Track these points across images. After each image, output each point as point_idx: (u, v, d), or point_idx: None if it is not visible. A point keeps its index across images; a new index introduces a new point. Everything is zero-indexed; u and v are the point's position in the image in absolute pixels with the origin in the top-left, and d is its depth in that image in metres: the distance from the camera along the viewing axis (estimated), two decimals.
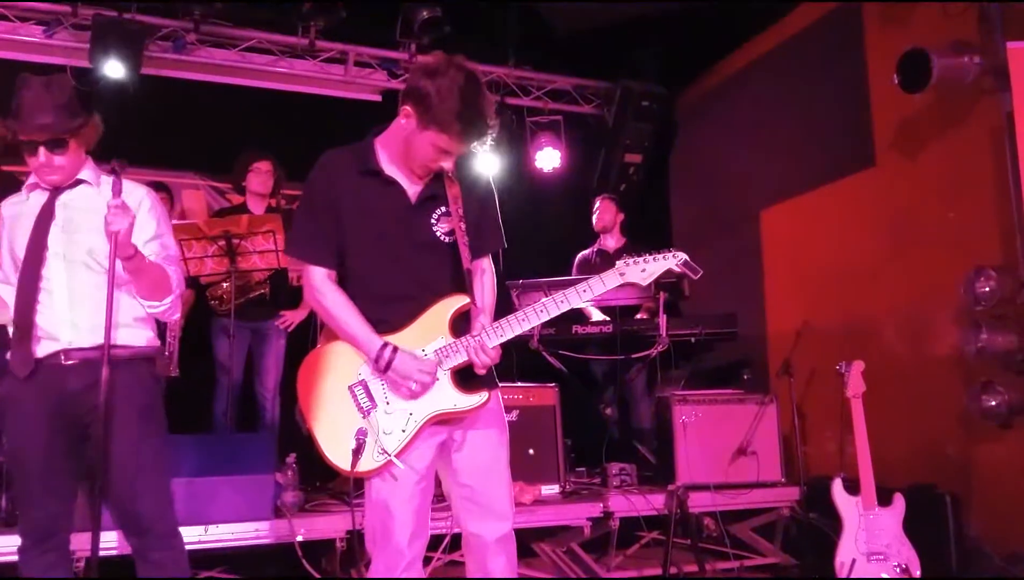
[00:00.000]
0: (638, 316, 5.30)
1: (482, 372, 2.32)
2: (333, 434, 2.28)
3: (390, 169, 2.37)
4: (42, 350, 2.54)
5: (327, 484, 4.75)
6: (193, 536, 3.45)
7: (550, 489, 4.47)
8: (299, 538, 3.72)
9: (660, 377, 5.05)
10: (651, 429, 5.25)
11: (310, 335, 4.96)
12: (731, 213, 6.36)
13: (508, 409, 3.96)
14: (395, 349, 2.27)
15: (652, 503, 4.35)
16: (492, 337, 2.30)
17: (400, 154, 2.36)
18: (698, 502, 4.39)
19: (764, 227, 6.03)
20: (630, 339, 5.00)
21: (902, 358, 4.73)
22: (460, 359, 2.31)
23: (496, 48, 6.43)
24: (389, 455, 2.25)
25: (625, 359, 5.08)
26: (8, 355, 2.57)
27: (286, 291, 4.98)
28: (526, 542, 4.32)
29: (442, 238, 2.37)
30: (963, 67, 4.17)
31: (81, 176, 2.67)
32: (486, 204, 2.48)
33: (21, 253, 2.59)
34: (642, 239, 6.00)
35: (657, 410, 5.03)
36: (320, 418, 2.30)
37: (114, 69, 5.19)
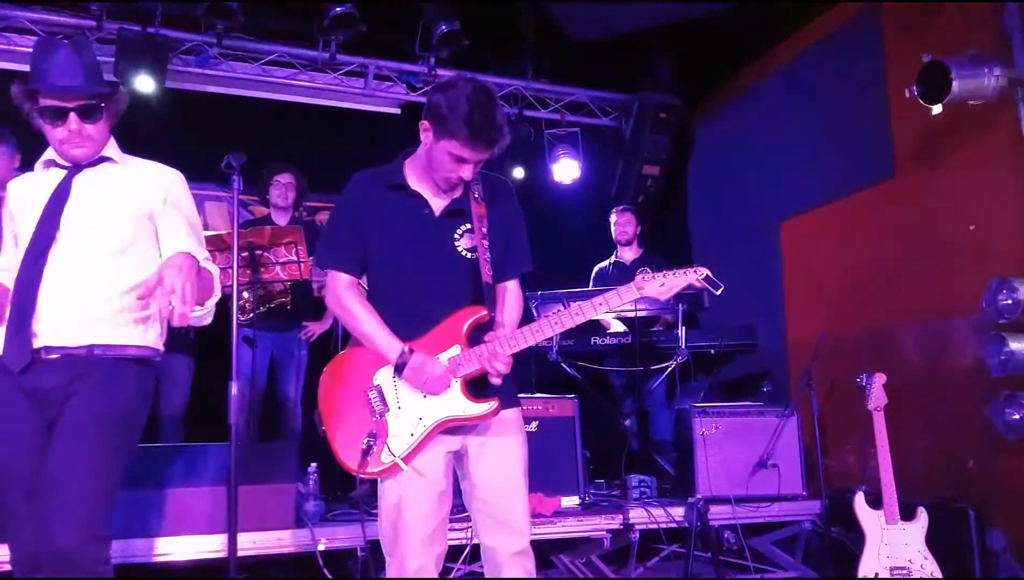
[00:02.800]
0: (653, 328, 5.30)
1: (496, 381, 2.35)
2: (346, 435, 2.35)
3: (416, 185, 2.45)
4: (37, 342, 2.29)
5: (347, 493, 4.78)
6: (216, 544, 3.48)
7: (569, 501, 4.46)
8: (320, 547, 3.73)
9: (679, 389, 5.04)
10: (671, 441, 5.23)
11: (331, 346, 5.01)
12: (750, 224, 6.34)
13: (527, 420, 3.96)
14: (411, 350, 2.33)
15: (672, 515, 4.34)
16: (505, 346, 2.34)
17: (424, 169, 2.44)
18: (718, 515, 4.37)
19: (784, 238, 6.02)
20: (649, 350, 4.99)
21: (924, 370, 4.69)
22: (473, 368, 2.35)
23: (514, 61, 6.48)
24: (395, 457, 2.31)
25: (644, 371, 5.08)
26: None
27: (309, 302, 5.01)
28: (545, 553, 4.32)
29: (463, 253, 2.43)
30: (983, 78, 4.15)
31: (105, 152, 2.46)
32: (514, 227, 2.54)
33: (23, 231, 2.36)
34: (660, 250, 6.02)
35: (677, 422, 5.01)
36: (335, 420, 2.38)
37: (139, 83, 5.26)
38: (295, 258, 4.45)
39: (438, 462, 2.38)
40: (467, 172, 2.36)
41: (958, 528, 3.96)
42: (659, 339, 5.09)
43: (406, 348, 2.32)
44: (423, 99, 6.37)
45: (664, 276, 2.43)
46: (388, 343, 2.34)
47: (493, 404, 2.35)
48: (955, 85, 4.10)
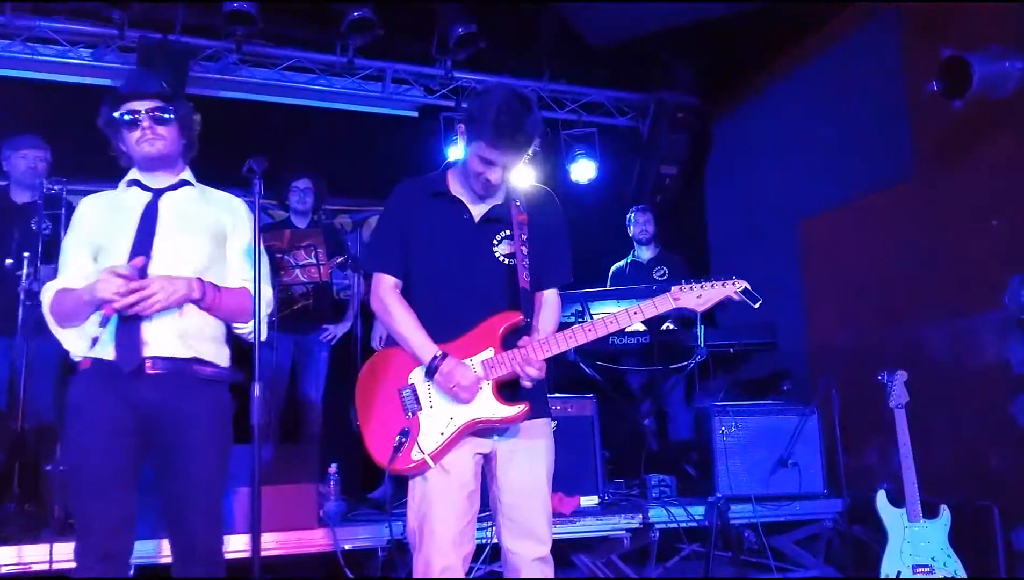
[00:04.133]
0: (664, 326, 5.27)
1: (528, 385, 2.38)
2: (379, 431, 2.43)
3: (457, 191, 2.52)
4: (146, 350, 2.44)
5: (368, 494, 4.81)
6: (240, 545, 3.52)
7: (589, 500, 4.46)
8: (344, 547, 3.76)
9: (699, 388, 5.03)
10: (690, 440, 5.22)
11: (351, 347, 5.05)
12: (769, 223, 6.32)
13: None
14: (444, 355, 2.38)
15: (692, 515, 4.33)
16: (538, 351, 2.38)
17: (464, 176, 2.50)
18: (739, 514, 4.36)
19: (803, 237, 5.99)
20: (668, 350, 4.99)
21: (946, 368, 4.66)
22: (505, 371, 2.39)
23: (531, 62, 6.50)
24: (424, 455, 2.37)
25: (663, 370, 5.07)
26: (88, 351, 2.47)
27: (329, 304, 5.05)
28: (565, 553, 4.33)
29: (501, 259, 2.49)
30: (1004, 73, 4.12)
31: (184, 176, 2.67)
32: (556, 237, 2.59)
33: (110, 246, 2.50)
34: (679, 250, 6.01)
35: (697, 421, 5.00)
36: (369, 416, 2.46)
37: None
38: (314, 261, 4.49)
39: (467, 463, 2.42)
40: (495, 175, 2.40)
41: (982, 526, 3.93)
42: (678, 338, 5.08)
43: (439, 353, 2.38)
44: (440, 102, 6.42)
45: (702, 287, 2.46)
46: (422, 346, 2.41)
47: (522, 407, 2.39)
48: (977, 79, 4.07)
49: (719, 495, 4.37)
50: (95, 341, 2.48)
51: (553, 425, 4.44)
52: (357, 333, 5.08)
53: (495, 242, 2.48)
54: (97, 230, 2.56)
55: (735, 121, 6.97)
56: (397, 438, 2.38)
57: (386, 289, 2.50)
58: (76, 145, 5.33)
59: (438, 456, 2.38)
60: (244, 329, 2.62)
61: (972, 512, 3.94)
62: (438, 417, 2.40)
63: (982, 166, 4.50)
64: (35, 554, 3.33)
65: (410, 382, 2.45)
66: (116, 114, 2.57)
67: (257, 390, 2.38)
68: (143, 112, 2.55)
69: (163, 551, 3.44)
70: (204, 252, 2.57)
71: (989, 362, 4.37)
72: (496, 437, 2.45)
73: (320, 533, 3.78)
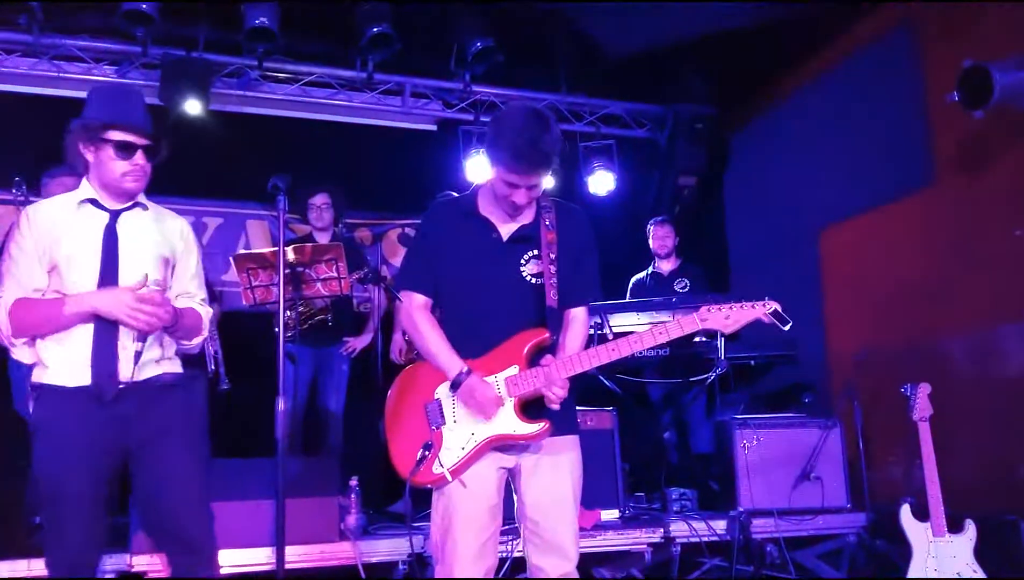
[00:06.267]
0: (698, 338, 5.26)
1: (554, 405, 2.40)
2: (404, 444, 2.49)
3: (487, 211, 2.56)
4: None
5: (389, 507, 4.82)
6: (262, 558, 3.54)
7: (609, 514, 4.45)
8: (363, 560, 3.77)
9: (719, 401, 5.00)
10: (711, 454, 5.19)
11: (372, 360, 5.07)
12: (789, 233, 6.29)
13: None
14: (469, 372, 2.43)
15: (714, 529, 4.31)
16: (561, 370, 2.40)
17: (492, 195, 2.54)
18: (761, 528, 4.33)
19: (823, 247, 5.96)
20: (688, 362, 4.97)
21: (970, 380, 4.61)
22: (528, 389, 2.42)
23: (548, 75, 6.52)
24: (444, 469, 2.41)
25: (683, 383, 5.05)
26: (48, 377, 2.48)
27: (350, 318, 5.08)
28: (586, 567, 4.31)
29: (528, 278, 2.51)
30: None
31: (138, 197, 2.65)
32: (585, 256, 2.60)
33: (69, 263, 2.49)
34: (698, 261, 5.99)
35: (717, 434, 4.97)
36: (396, 429, 2.52)
37: (184, 106, 5.40)
38: (335, 274, 4.51)
39: (490, 477, 2.45)
40: (520, 197, 2.43)
41: (1009, 540, 3.88)
42: (698, 351, 5.05)
43: (464, 368, 2.43)
44: (459, 116, 6.46)
45: (731, 308, 2.45)
46: (448, 361, 2.45)
47: (542, 425, 2.41)
48: (997, 89, 4.04)
49: (741, 509, 4.34)
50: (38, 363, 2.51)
51: None
52: (378, 346, 5.11)
53: (523, 262, 2.51)
54: (52, 243, 2.51)
55: (753, 131, 6.95)
56: (420, 451, 2.42)
57: (416, 307, 2.55)
58: None
59: (458, 471, 2.41)
60: (188, 346, 2.72)
61: (998, 526, 3.89)
62: (460, 432, 2.44)
63: (1004, 174, 4.47)
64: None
65: (436, 397, 2.50)
66: (109, 136, 2.52)
67: (281, 404, 2.41)
68: (140, 150, 2.55)
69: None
70: (161, 278, 2.61)
71: (1014, 373, 4.32)
72: (520, 453, 2.46)
73: (341, 546, 3.80)
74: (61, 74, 5.59)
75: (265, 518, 3.59)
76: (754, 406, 5.12)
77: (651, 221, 5.94)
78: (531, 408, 2.44)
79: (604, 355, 2.43)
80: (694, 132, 6.66)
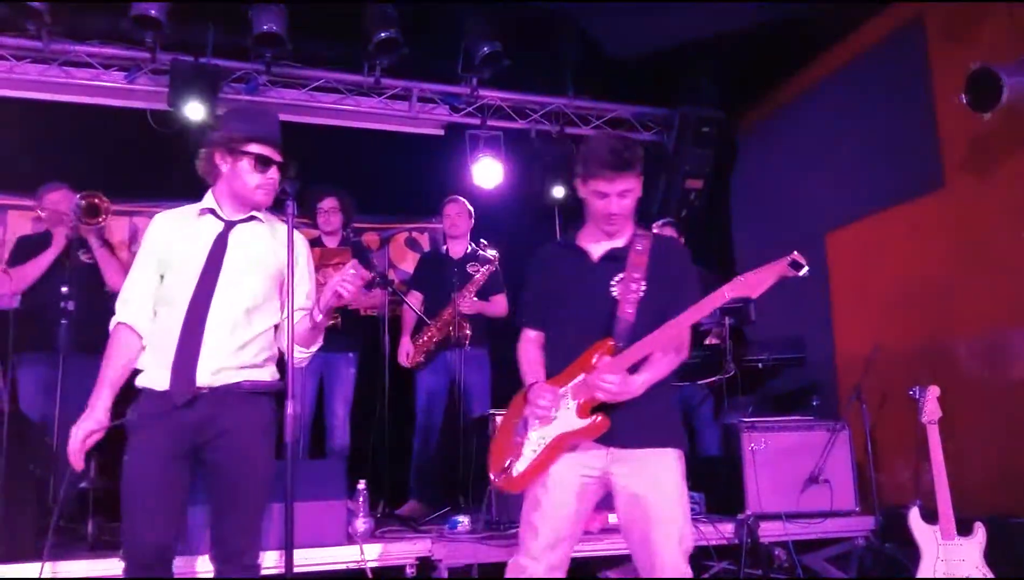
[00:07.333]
0: (708, 341, 5.25)
1: (601, 396, 2.51)
2: (497, 454, 2.75)
3: (584, 241, 2.77)
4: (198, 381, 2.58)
5: (395, 510, 4.83)
6: (270, 561, 3.54)
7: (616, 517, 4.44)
8: (370, 564, 3.78)
9: (727, 404, 4.99)
10: (719, 457, 5.18)
11: (378, 364, 5.09)
12: (795, 236, 6.26)
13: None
14: (533, 384, 2.67)
15: (722, 532, 4.30)
16: (611, 366, 2.51)
17: (592, 226, 2.76)
18: (769, 532, 4.31)
19: (830, 250, 5.95)
20: (696, 365, 4.96)
21: (978, 382, 4.60)
22: (587, 391, 2.55)
23: (555, 79, 6.53)
24: (514, 474, 2.64)
25: (691, 385, 5.05)
26: (142, 381, 2.59)
27: (357, 322, 5.10)
28: (593, 570, 4.31)
29: (615, 295, 2.63)
30: None
31: (254, 211, 2.75)
32: (682, 281, 2.71)
33: (178, 270, 2.62)
34: (704, 263, 5.98)
35: (725, 437, 4.96)
36: (496, 441, 2.81)
37: (191, 111, 5.43)
38: None
39: (571, 482, 2.59)
40: (612, 205, 2.62)
41: (1018, 543, 3.85)
42: (707, 353, 5.05)
43: (531, 382, 2.68)
44: (466, 120, 6.47)
45: (756, 273, 2.52)
46: (528, 379, 2.72)
47: (596, 418, 2.54)
48: (1005, 91, 4.04)
49: (749, 512, 4.34)
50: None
51: None
52: (384, 351, 5.12)
53: (612, 282, 2.64)
54: (166, 250, 2.66)
55: (760, 134, 6.95)
56: (508, 460, 2.67)
57: (524, 339, 2.85)
58: (108, 166, 5.50)
59: (528, 474, 2.62)
60: (306, 354, 2.82)
61: (1008, 529, 3.87)
62: (534, 438, 2.65)
63: (1012, 176, 4.45)
64: (70, 570, 3.38)
65: (525, 415, 2.71)
66: (250, 148, 2.64)
67: (290, 407, 2.42)
68: (274, 165, 2.67)
69: (191, 567, 3.48)
70: (262, 289, 2.68)
71: (1022, 376, 4.30)
72: (609, 463, 2.57)
73: (348, 550, 3.80)
74: (70, 80, 5.62)
75: (273, 521, 3.60)
76: (762, 409, 5.11)
77: (657, 223, 5.93)
78: (598, 411, 2.55)
79: (649, 344, 2.51)
80: (700, 135, 6.65)
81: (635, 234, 2.71)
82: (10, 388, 4.12)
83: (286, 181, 2.62)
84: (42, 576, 3.01)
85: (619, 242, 2.70)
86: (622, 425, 2.53)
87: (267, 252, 2.71)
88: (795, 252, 2.45)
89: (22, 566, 3.29)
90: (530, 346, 2.81)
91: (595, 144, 2.67)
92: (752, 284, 2.48)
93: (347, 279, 2.54)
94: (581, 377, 2.58)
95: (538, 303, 2.82)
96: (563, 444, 2.58)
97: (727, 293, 2.49)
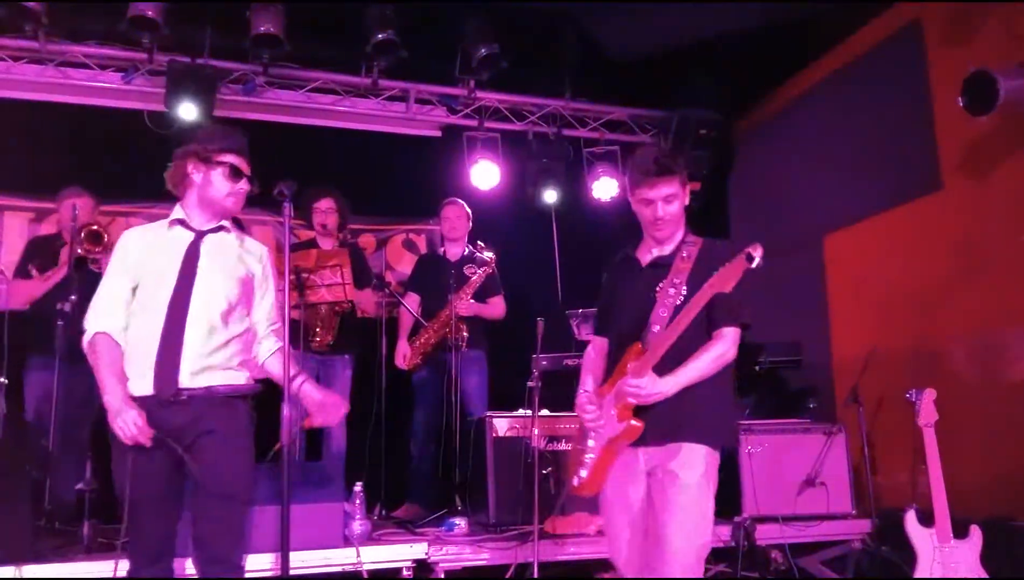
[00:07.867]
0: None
1: (632, 401, 2.59)
2: (571, 463, 2.95)
3: (638, 250, 2.90)
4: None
5: (392, 512, 4.83)
6: (266, 564, 3.54)
7: None
8: (366, 567, 3.77)
9: None
10: None
11: (375, 367, 5.08)
12: (793, 238, 6.28)
13: (565, 438, 3.98)
14: (579, 394, 2.80)
15: (718, 535, 4.29)
16: (637, 368, 2.57)
17: (642, 239, 2.89)
18: (765, 534, 4.32)
19: (827, 252, 5.95)
20: None
21: (975, 385, 4.60)
22: (622, 398, 2.63)
23: (553, 81, 6.52)
24: (577, 482, 2.78)
25: None
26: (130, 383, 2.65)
27: (354, 324, 5.09)
28: (590, 573, 4.31)
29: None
30: None
31: (223, 221, 2.87)
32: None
33: (151, 282, 2.72)
34: None
35: None
36: (573, 453, 2.99)
37: (188, 112, 5.42)
38: (340, 280, 4.52)
39: (630, 491, 2.69)
40: (658, 210, 2.73)
41: (1014, 547, 3.86)
42: None
43: (579, 392, 2.81)
44: (464, 122, 6.47)
45: (721, 271, 2.51)
46: (579, 387, 2.87)
47: (630, 422, 2.61)
48: (1002, 94, 4.05)
49: (745, 515, 4.34)
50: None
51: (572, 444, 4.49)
52: (381, 353, 5.12)
53: (659, 288, 2.70)
54: (138, 263, 2.75)
55: (758, 136, 6.95)
56: (577, 468, 2.78)
57: (590, 345, 3.01)
58: (104, 167, 5.49)
59: (592, 482, 2.74)
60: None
61: (1004, 532, 3.87)
62: (591, 448, 2.75)
63: (1010, 179, 4.46)
64: (66, 572, 3.37)
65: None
66: (224, 158, 2.76)
67: (286, 410, 2.41)
68: (245, 177, 2.81)
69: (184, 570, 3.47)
70: (235, 294, 2.79)
71: (1019, 378, 4.31)
72: (650, 462, 2.64)
73: (345, 552, 3.79)
74: (67, 80, 5.60)
75: (270, 524, 3.59)
76: (758, 411, 5.11)
77: None
78: (638, 414, 2.62)
79: (663, 339, 2.57)
80: (699, 138, 6.64)
81: (683, 241, 2.79)
82: (10, 390, 4.10)
83: (283, 182, 2.67)
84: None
85: (667, 249, 2.80)
86: (650, 425, 2.61)
87: (236, 260, 2.84)
88: (757, 244, 2.46)
89: (21, 568, 3.28)
90: (590, 352, 2.97)
91: (638, 155, 2.80)
92: (724, 278, 2.51)
93: None
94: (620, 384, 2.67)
95: (602, 314, 2.99)
96: (613, 448, 2.68)
97: (708, 292, 2.54)
